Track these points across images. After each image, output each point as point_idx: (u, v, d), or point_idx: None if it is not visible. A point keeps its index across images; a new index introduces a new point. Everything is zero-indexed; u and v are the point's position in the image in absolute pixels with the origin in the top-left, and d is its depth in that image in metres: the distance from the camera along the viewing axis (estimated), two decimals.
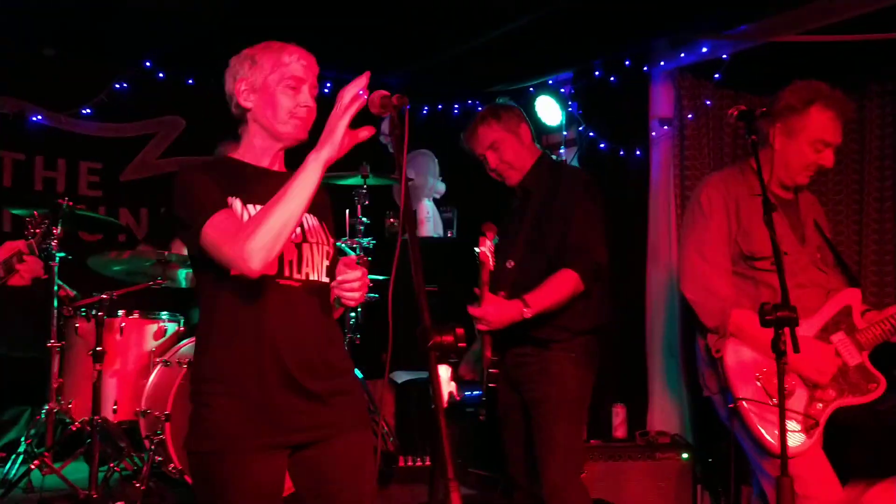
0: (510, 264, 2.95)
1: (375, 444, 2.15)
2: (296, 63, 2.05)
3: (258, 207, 1.94)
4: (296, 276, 2.00)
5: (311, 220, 2.09)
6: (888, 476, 3.23)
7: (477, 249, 2.71)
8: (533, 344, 2.91)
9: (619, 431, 4.03)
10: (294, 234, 1.97)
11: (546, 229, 2.94)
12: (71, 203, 3.70)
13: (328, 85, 5.15)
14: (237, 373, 1.94)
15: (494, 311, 2.75)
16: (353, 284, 1.98)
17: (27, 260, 2.32)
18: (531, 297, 2.76)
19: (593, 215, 2.93)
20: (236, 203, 1.96)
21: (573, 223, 2.88)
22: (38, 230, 2.44)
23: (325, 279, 2.06)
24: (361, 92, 1.78)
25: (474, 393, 3.15)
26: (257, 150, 2.11)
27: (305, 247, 2.03)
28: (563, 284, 2.82)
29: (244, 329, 1.95)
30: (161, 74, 4.97)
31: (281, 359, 1.95)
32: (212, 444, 1.93)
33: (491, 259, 2.78)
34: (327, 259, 2.08)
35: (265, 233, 1.80)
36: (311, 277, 2.02)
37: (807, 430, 2.62)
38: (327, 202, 2.20)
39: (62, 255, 3.73)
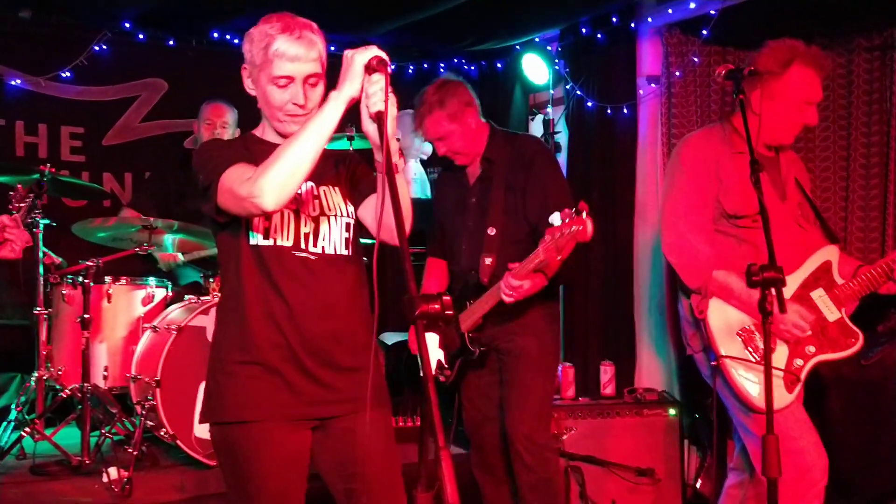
0: (492, 231, 3.05)
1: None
2: (283, 61, 1.94)
3: None
4: (312, 249, 2.02)
5: (330, 193, 2.08)
6: (870, 430, 3.29)
7: (574, 228, 2.41)
8: None
9: (608, 389, 4.07)
10: (312, 208, 2.02)
11: (523, 195, 3.05)
12: (53, 169, 3.66)
13: None
14: (258, 343, 1.97)
15: (531, 285, 2.81)
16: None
17: (13, 235, 2.28)
18: (548, 270, 2.86)
19: (562, 177, 3.16)
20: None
21: (549, 187, 3.02)
22: (22, 204, 2.40)
23: (346, 251, 2.07)
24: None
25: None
26: (266, 130, 2.10)
27: (323, 220, 2.04)
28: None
29: (264, 300, 1.97)
30: (141, 36, 4.87)
31: (300, 330, 1.98)
32: (237, 414, 1.95)
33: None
34: (347, 231, 2.08)
35: (279, 168, 1.80)
36: (327, 251, 2.03)
37: (788, 386, 2.66)
38: (353, 172, 2.16)
39: (46, 222, 3.69)
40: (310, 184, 2.06)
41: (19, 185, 2.63)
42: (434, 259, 3.39)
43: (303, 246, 2.02)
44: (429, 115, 3.10)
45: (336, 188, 2.10)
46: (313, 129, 1.83)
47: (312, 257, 2.02)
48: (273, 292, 1.98)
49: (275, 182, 1.80)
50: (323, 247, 2.04)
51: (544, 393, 3.13)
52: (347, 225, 2.08)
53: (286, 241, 2.00)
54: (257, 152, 1.94)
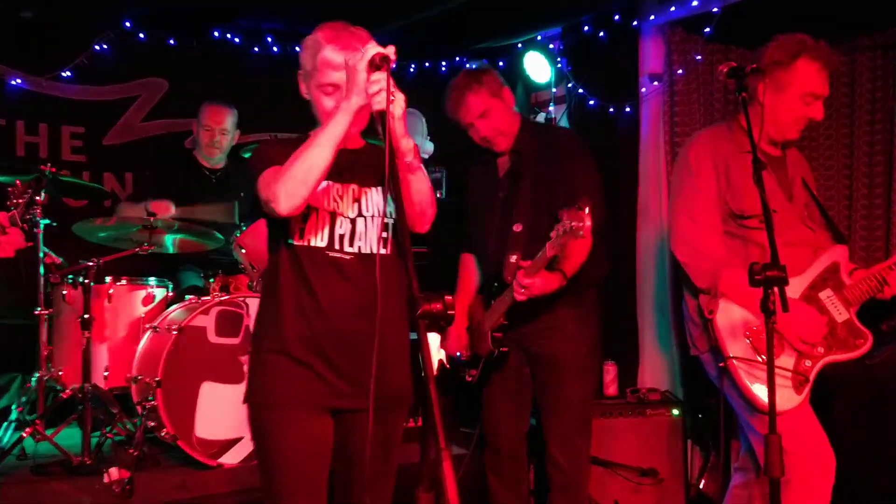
0: (518, 227, 2.98)
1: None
2: (329, 69, 2.05)
3: (322, 184, 2.05)
4: (347, 249, 2.11)
5: (371, 195, 2.16)
6: (875, 429, 3.28)
7: (573, 225, 2.43)
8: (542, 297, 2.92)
9: (610, 389, 4.06)
10: (350, 210, 2.11)
11: (550, 190, 2.97)
12: (54, 169, 3.65)
13: None
14: (287, 335, 2.08)
15: (542, 283, 2.76)
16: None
17: (9, 232, 2.28)
18: (566, 268, 2.81)
19: (594, 173, 3.03)
20: None
21: (578, 183, 2.93)
22: (20, 200, 2.39)
23: (383, 251, 2.14)
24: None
25: (458, 354, 3.18)
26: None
27: (360, 221, 2.12)
28: (583, 247, 2.87)
29: (296, 296, 2.08)
30: (142, 35, 4.87)
31: (328, 327, 2.07)
32: (265, 398, 2.10)
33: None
34: (385, 231, 2.15)
35: (289, 178, 1.92)
36: (363, 251, 2.12)
37: (797, 387, 2.64)
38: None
39: (46, 221, 3.69)
40: (352, 186, 2.15)
41: (17, 181, 2.62)
42: (468, 255, 3.30)
43: (337, 247, 2.11)
44: (469, 90, 3.00)
45: (378, 189, 2.17)
46: (322, 140, 1.92)
47: (347, 257, 2.11)
48: (305, 289, 2.08)
49: (285, 189, 1.92)
50: (359, 247, 2.12)
51: (583, 397, 3.08)
52: (385, 225, 2.16)
53: (320, 242, 2.10)
54: None
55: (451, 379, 3.19)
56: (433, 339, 3.11)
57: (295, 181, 1.92)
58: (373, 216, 2.15)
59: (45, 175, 3.57)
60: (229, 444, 3.47)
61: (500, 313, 2.94)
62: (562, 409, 3.02)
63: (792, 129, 2.81)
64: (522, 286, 2.73)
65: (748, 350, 2.66)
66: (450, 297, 1.47)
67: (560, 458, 3.01)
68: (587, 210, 2.36)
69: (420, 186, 2.02)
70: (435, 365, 3.13)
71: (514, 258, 2.89)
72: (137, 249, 3.81)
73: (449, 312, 1.46)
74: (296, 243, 2.10)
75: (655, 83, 4.35)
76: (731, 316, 2.69)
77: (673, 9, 4.21)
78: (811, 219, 2.91)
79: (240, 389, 3.40)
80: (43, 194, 3.51)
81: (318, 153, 1.92)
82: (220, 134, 4.38)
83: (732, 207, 2.77)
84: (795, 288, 2.71)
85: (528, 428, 3.23)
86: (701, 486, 3.92)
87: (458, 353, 3.17)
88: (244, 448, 3.48)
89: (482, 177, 3.21)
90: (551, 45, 4.95)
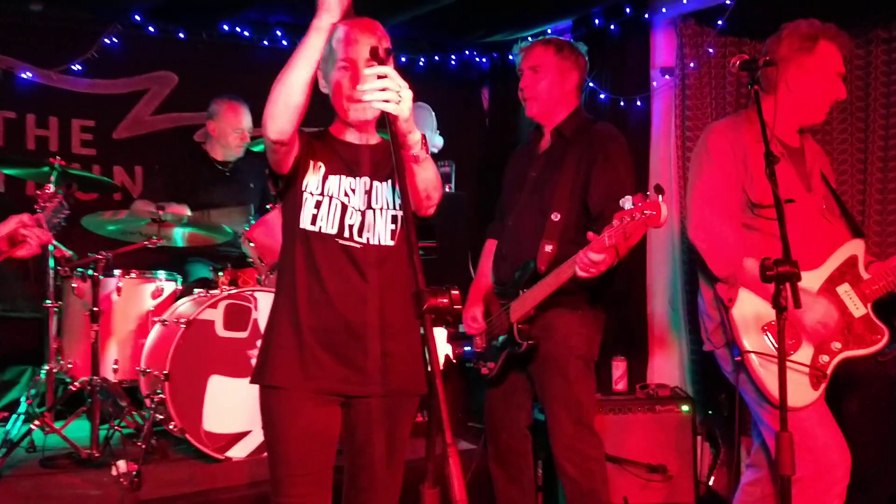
0: (556, 217, 2.86)
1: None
2: (346, 46, 2.11)
3: (334, 178, 2.14)
4: (356, 238, 2.14)
5: (382, 188, 2.19)
6: (886, 426, 3.24)
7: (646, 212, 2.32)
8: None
9: (620, 385, 4.04)
10: (361, 202, 2.15)
11: (587, 181, 2.88)
12: (64, 162, 3.66)
13: None
14: (300, 322, 2.11)
15: (604, 262, 2.57)
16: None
17: (30, 233, 2.27)
18: (620, 247, 2.62)
19: (630, 171, 2.94)
20: (321, 168, 2.14)
21: (614, 178, 2.85)
22: (48, 204, 2.39)
23: (391, 242, 2.17)
24: None
25: (467, 349, 3.15)
26: (339, 126, 2.24)
27: (369, 213, 2.16)
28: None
29: (308, 284, 2.12)
30: (151, 28, 4.87)
31: (337, 317, 2.11)
32: (271, 380, 2.13)
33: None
34: (394, 223, 2.18)
35: (273, 101, 1.95)
36: (371, 242, 2.15)
37: (814, 382, 2.61)
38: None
39: None
40: (365, 179, 2.18)
41: (47, 185, 2.63)
42: (492, 241, 3.19)
43: (346, 235, 2.14)
44: (544, 45, 3.01)
45: (387, 182, 2.20)
46: (299, 61, 1.93)
47: (357, 246, 2.14)
48: (315, 279, 2.12)
49: (270, 113, 1.95)
50: (367, 238, 2.15)
51: (580, 398, 2.92)
52: (394, 217, 2.18)
53: (331, 230, 2.13)
54: (326, 147, 2.18)
55: (457, 373, 3.17)
56: (440, 333, 3.08)
57: (278, 104, 1.94)
58: (382, 208, 2.17)
59: (55, 169, 3.58)
60: (237, 437, 3.47)
61: (532, 306, 2.80)
62: (559, 413, 2.90)
63: (820, 111, 2.83)
64: (592, 261, 2.52)
65: (766, 344, 2.62)
66: (456, 292, 1.45)
67: (567, 466, 2.90)
68: (661, 197, 2.29)
69: (426, 175, 2.06)
70: (441, 360, 3.10)
71: (549, 247, 2.77)
72: (146, 243, 3.80)
73: (455, 307, 1.44)
74: (308, 228, 2.13)
75: (667, 77, 4.32)
76: (750, 308, 2.65)
77: (685, 1, 4.17)
78: (829, 212, 2.88)
79: (248, 383, 3.44)
80: (54, 188, 3.51)
81: (295, 74, 1.93)
82: (248, 134, 4.37)
83: (751, 196, 2.73)
84: (813, 281, 2.68)
85: (532, 423, 3.16)
86: (710, 483, 3.90)
87: (468, 347, 3.13)
88: (252, 442, 3.48)
89: (522, 157, 3.15)
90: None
